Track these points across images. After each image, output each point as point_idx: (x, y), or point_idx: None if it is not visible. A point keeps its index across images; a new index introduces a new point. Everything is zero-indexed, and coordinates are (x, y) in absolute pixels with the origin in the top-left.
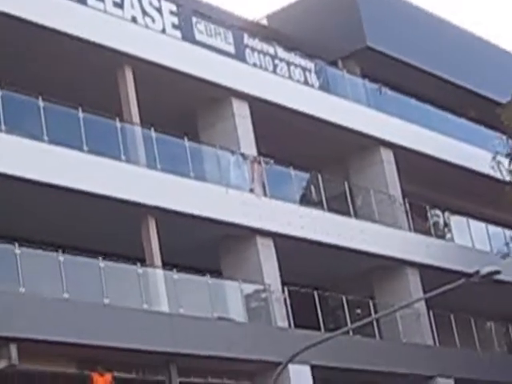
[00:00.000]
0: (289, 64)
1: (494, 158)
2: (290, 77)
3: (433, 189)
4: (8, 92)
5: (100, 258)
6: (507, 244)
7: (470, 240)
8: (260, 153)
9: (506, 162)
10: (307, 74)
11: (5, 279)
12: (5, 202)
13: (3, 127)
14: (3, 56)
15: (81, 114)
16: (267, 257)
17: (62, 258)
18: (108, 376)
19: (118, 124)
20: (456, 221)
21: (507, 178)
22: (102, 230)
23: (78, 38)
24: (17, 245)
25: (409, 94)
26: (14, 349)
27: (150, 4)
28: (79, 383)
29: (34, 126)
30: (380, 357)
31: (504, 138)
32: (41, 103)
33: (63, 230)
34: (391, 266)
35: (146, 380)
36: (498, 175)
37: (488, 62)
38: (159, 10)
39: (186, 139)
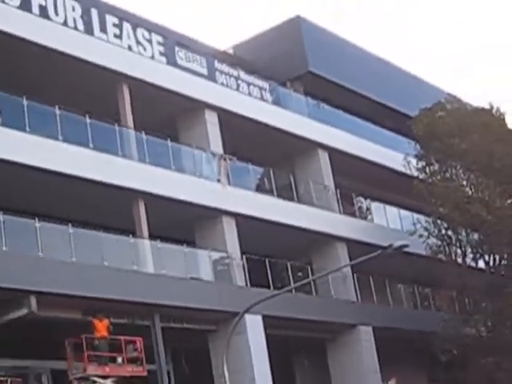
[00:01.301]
0: (249, 84)
1: (405, 158)
2: (249, 93)
3: (358, 181)
4: (31, 101)
5: (101, 230)
6: (414, 224)
7: (386, 221)
8: (225, 151)
9: (414, 161)
10: (263, 92)
11: (27, 246)
12: (28, 185)
13: (27, 129)
14: (32, 73)
15: (88, 120)
16: (230, 231)
17: (71, 230)
18: (106, 321)
19: (117, 127)
20: (375, 206)
21: (415, 174)
22: (103, 208)
23: (87, 61)
24: (37, 219)
25: (341, 108)
26: (33, 300)
27: (142, 36)
28: (83, 327)
29: (52, 128)
30: (316, 309)
31: (413, 143)
32: (57, 111)
33: (73, 208)
34: (325, 240)
35: (135, 325)
36: (408, 172)
37: (402, 84)
38: (149, 41)
39: (168, 140)
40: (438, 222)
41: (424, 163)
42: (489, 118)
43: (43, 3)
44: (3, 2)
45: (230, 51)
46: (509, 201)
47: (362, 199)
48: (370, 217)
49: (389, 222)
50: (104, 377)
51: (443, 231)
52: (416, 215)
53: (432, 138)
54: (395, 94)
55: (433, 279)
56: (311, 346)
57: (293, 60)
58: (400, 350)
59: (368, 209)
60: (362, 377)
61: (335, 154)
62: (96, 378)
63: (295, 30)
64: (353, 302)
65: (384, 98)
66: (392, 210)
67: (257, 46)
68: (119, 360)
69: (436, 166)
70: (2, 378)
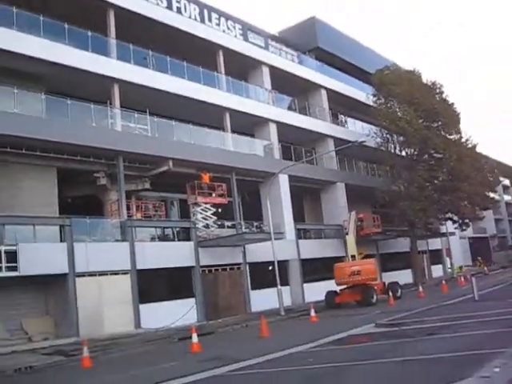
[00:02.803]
0: (286, 52)
1: (367, 95)
2: (286, 57)
3: (342, 106)
4: (172, 59)
5: (205, 128)
6: (369, 130)
7: (355, 128)
8: (272, 88)
9: (371, 97)
10: (293, 57)
11: (168, 134)
12: (169, 103)
13: (169, 72)
14: (170, 43)
15: (201, 69)
16: (273, 130)
17: (192, 127)
18: (208, 174)
19: (216, 74)
20: (350, 120)
21: (371, 104)
22: (208, 117)
23: (200, 37)
24: (173, 121)
25: (335, 67)
26: (170, 161)
27: (231, 24)
28: (196, 177)
29: (181, 73)
30: (315, 173)
31: (372, 87)
32: (184, 64)
33: (192, 115)
34: (322, 138)
35: (222, 177)
36: (368, 102)
37: (368, 55)
38: (234, 27)
39: (243, 81)
40: (382, 130)
41: (376, 98)
42: (412, 75)
43: (178, 5)
44: (157, 4)
45: (277, 34)
46: (420, 120)
47: (343, 116)
48: (346, 125)
49: (356, 129)
50: (205, 202)
51: (384, 135)
52: (371, 126)
53: (381, 85)
54: (365, 61)
55: (377, 159)
56: (312, 192)
57: (309, 40)
58: (358, 196)
59: (346, 121)
60: (338, 209)
61: (330, 92)
62: (201, 203)
63: (311, 24)
64: (335, 170)
65: (359, 63)
66: (358, 123)
67: (291, 31)
68: (213, 194)
69: (383, 100)
70: (160, 203)
